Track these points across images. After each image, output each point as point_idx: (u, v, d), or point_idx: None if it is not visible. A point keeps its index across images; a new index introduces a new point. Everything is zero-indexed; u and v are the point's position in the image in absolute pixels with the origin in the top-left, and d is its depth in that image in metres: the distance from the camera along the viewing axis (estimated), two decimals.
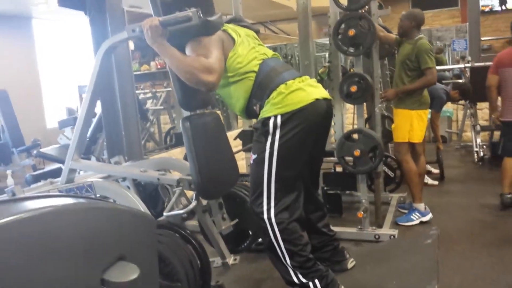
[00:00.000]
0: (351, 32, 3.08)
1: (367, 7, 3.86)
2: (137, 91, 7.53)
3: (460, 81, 6.55)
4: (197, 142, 2.10)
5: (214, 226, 2.41)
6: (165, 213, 2.25)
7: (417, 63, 3.59)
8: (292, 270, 2.09)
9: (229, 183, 2.37)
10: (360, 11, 3.24)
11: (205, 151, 2.15)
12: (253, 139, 2.15)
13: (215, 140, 2.27)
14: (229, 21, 2.28)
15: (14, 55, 8.44)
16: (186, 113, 2.35)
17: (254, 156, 2.12)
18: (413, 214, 3.73)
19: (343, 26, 3.19)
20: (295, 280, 2.10)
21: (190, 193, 2.40)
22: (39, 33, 9.09)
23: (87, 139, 4.92)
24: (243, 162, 5.29)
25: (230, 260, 2.50)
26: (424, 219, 3.73)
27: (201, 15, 1.94)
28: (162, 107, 7.93)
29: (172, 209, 2.25)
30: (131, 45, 9.65)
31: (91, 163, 2.76)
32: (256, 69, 2.09)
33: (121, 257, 0.72)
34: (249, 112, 2.18)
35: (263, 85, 2.07)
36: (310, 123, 2.07)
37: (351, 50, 3.21)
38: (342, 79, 3.42)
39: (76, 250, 0.66)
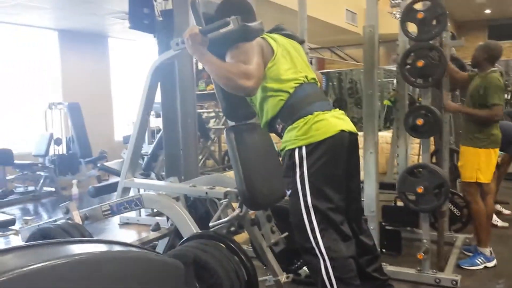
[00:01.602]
0: (420, 63, 2.93)
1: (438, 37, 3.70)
2: (201, 110, 7.70)
3: None
4: (241, 151, 2.09)
5: (263, 240, 2.34)
6: (211, 224, 2.24)
7: (485, 97, 3.38)
8: None
9: (276, 195, 2.31)
10: (431, 41, 3.10)
11: (249, 160, 2.13)
12: (283, 174, 2.11)
13: (260, 150, 2.25)
14: (271, 31, 2.26)
15: (89, 70, 8.93)
16: None
17: (288, 192, 2.08)
18: (478, 258, 3.46)
19: (412, 55, 3.05)
20: None
21: None
22: (114, 50, 9.58)
23: (149, 156, 5.05)
24: None
25: (283, 278, 2.42)
26: (489, 264, 3.46)
27: (240, 22, 1.94)
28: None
29: (218, 220, 2.24)
30: (200, 65, 9.96)
31: (142, 181, 2.83)
32: (291, 91, 2.06)
33: None
34: (271, 127, 2.17)
35: (293, 109, 2.05)
36: (335, 154, 2.02)
37: (419, 81, 3.05)
38: (408, 111, 3.26)
39: None
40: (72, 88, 8.49)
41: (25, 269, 0.58)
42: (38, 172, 6.96)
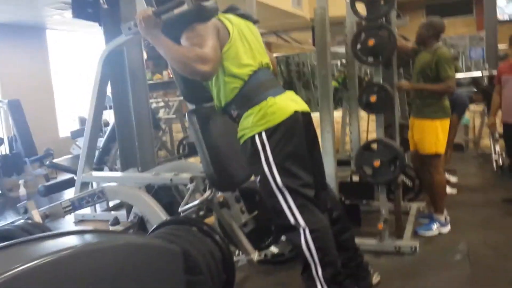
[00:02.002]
0: (371, 42, 3.02)
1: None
2: (150, 100, 7.54)
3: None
4: (205, 133, 2.09)
5: (233, 221, 2.35)
6: (180, 209, 2.23)
7: (437, 72, 3.51)
8: (320, 284, 2.04)
9: (243, 175, 2.32)
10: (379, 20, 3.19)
11: (214, 142, 2.14)
12: (248, 162, 2.13)
13: (223, 132, 2.24)
14: (225, 11, 2.24)
15: (27, 65, 8.51)
16: None
17: (257, 178, 2.11)
18: (434, 225, 3.64)
19: (362, 35, 3.13)
20: None
21: None
22: (53, 43, 9.17)
23: (100, 150, 4.91)
24: None
25: (256, 256, 2.44)
26: (444, 230, 3.65)
27: (194, 1, 1.92)
28: (174, 116, 7.93)
29: (187, 205, 2.23)
30: (144, 55, 9.69)
31: (103, 174, 2.75)
32: (246, 78, 2.08)
33: None
34: (226, 112, 2.17)
35: (248, 97, 2.08)
36: (294, 134, 2.08)
37: (370, 60, 3.14)
38: (362, 89, 3.36)
39: None
40: (11, 84, 8.06)
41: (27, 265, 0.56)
42: None
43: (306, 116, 2.18)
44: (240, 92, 2.07)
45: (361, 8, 3.23)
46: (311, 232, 2.02)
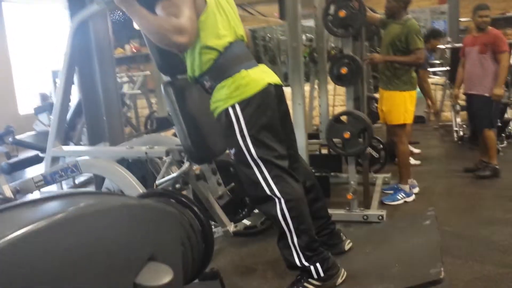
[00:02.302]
0: (342, 13, 3.03)
1: None
2: None
3: None
4: (182, 105, 2.06)
5: (209, 193, 2.36)
6: (157, 182, 2.21)
7: (406, 43, 3.58)
8: (296, 252, 2.08)
9: (219, 147, 2.32)
10: None
11: (191, 114, 2.11)
12: (223, 135, 2.13)
13: (201, 104, 2.21)
14: None
15: None
16: None
17: (233, 151, 2.11)
18: (399, 194, 3.77)
19: (333, 7, 3.13)
20: (298, 263, 2.09)
21: None
22: (9, 16, 8.73)
23: (66, 125, 4.78)
24: None
25: (231, 227, 2.46)
26: (409, 199, 3.79)
27: None
28: (139, 92, 7.78)
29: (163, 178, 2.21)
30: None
31: (74, 148, 2.67)
32: (221, 50, 2.05)
33: (152, 257, 0.66)
34: (198, 82, 2.16)
35: (222, 69, 2.05)
36: (267, 105, 2.09)
37: (341, 31, 3.15)
38: (332, 62, 3.38)
39: (106, 254, 0.60)
40: None
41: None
42: None
43: (279, 88, 2.19)
44: (214, 63, 2.05)
45: None
46: (286, 202, 2.05)
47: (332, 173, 4.25)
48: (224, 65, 2.05)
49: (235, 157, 2.11)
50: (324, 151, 4.48)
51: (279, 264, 2.51)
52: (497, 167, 4.29)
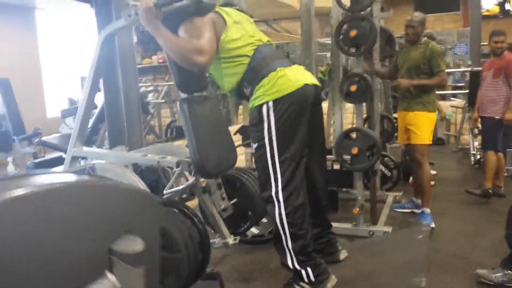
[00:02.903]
0: (353, 33, 3.14)
1: (369, 8, 3.92)
2: (138, 84, 7.60)
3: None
4: (194, 122, 2.16)
5: (213, 206, 2.46)
6: (165, 191, 2.31)
7: (429, 66, 3.65)
8: (290, 254, 2.18)
9: (227, 163, 2.42)
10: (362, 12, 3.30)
11: (202, 130, 2.21)
12: (251, 128, 2.23)
13: (213, 122, 2.32)
14: (222, 5, 2.35)
15: (16, 45, 8.49)
16: None
17: (255, 145, 2.21)
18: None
19: (345, 26, 3.25)
20: (290, 265, 2.19)
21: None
22: (42, 24, 9.13)
23: (90, 129, 4.98)
24: (242, 157, 5.36)
25: (231, 240, 2.55)
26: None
27: None
28: (163, 101, 7.99)
29: (171, 188, 2.31)
30: (134, 39, 9.72)
31: (93, 149, 2.79)
32: (250, 54, 2.17)
33: (128, 231, 0.78)
34: (239, 93, 2.27)
35: (256, 70, 2.16)
36: (300, 106, 2.16)
37: (352, 50, 3.26)
38: (343, 79, 3.48)
39: (85, 223, 0.72)
40: (0, 63, 8.05)
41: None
42: None
43: (316, 88, 2.27)
44: (248, 67, 2.17)
45: (347, 0, 3.35)
46: (285, 208, 2.15)
47: (344, 189, 4.32)
48: (256, 67, 2.16)
49: (256, 151, 2.21)
50: (337, 166, 4.55)
51: (282, 273, 2.61)
52: (489, 190, 4.28)
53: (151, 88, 8.12)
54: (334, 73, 4.32)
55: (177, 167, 2.32)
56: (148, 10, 1.98)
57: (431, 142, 3.81)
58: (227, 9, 2.30)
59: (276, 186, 2.16)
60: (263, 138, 2.15)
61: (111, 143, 3.95)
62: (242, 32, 2.21)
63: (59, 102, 8.49)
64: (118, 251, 0.74)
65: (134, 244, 0.76)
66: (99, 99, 4.71)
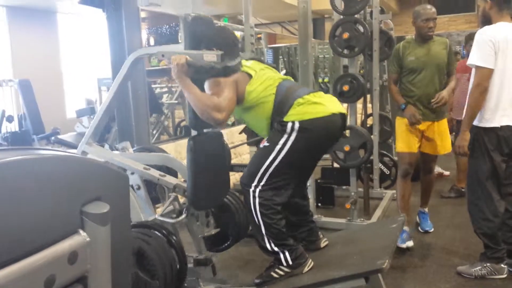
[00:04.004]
0: (345, 35, 3.30)
1: (370, 11, 4.08)
2: (153, 85, 7.85)
3: None
4: (197, 160, 2.29)
5: (198, 230, 2.59)
6: (158, 216, 2.48)
7: (448, 66, 3.44)
8: (267, 238, 2.33)
9: (219, 197, 2.60)
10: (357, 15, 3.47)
11: (203, 170, 2.34)
12: (271, 130, 2.37)
13: (214, 159, 2.46)
14: (249, 59, 2.57)
15: (38, 47, 8.81)
16: None
17: (266, 143, 2.35)
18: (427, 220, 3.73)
19: (339, 29, 3.41)
20: (268, 247, 2.35)
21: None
22: (63, 27, 9.48)
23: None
24: (247, 156, 5.55)
25: (208, 255, 2.67)
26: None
27: (223, 59, 2.13)
28: (176, 102, 8.21)
29: (165, 213, 2.47)
30: (152, 41, 10.00)
31: (101, 150, 2.91)
32: (274, 91, 2.35)
33: (97, 198, 0.97)
34: (273, 129, 2.39)
35: (283, 102, 2.32)
36: (324, 135, 2.33)
37: (346, 52, 3.42)
38: (336, 79, 3.63)
39: (60, 188, 0.91)
40: (22, 65, 8.40)
41: None
42: None
43: (343, 116, 2.38)
44: (275, 103, 2.34)
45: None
46: (260, 203, 2.29)
47: (344, 187, 4.46)
48: (283, 99, 2.33)
49: (262, 148, 2.35)
50: (336, 165, 4.70)
51: None
52: (462, 189, 4.29)
53: (165, 89, 8.36)
54: (334, 74, 4.48)
55: (173, 190, 2.46)
56: (180, 67, 2.12)
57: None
58: (249, 62, 2.49)
59: (258, 183, 2.31)
60: (275, 145, 2.28)
61: (120, 140, 4.19)
62: (264, 77, 2.40)
63: (78, 102, 8.80)
64: (88, 212, 0.93)
65: (101, 207, 0.95)
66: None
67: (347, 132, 3.51)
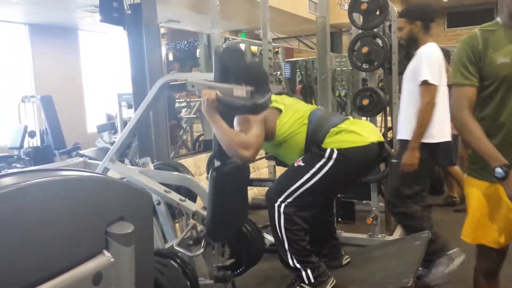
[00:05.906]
0: (364, 49, 3.29)
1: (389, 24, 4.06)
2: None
3: None
4: (218, 191, 2.26)
5: (213, 260, 2.56)
6: (175, 246, 2.40)
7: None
8: (290, 254, 2.30)
9: (237, 227, 2.58)
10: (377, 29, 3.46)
11: (223, 202, 2.31)
12: (305, 156, 2.34)
13: (235, 189, 2.44)
14: (278, 93, 2.56)
15: (60, 63, 9.02)
16: None
17: (301, 163, 2.31)
18: None
19: (358, 43, 3.40)
20: (291, 263, 2.31)
21: None
22: (84, 43, 9.67)
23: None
24: (265, 170, 5.54)
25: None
26: None
27: (252, 95, 2.10)
28: (195, 116, 8.27)
29: (182, 240, 2.42)
30: (170, 56, 10.11)
31: (124, 167, 2.92)
32: (306, 121, 2.35)
33: (121, 218, 0.98)
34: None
35: (317, 131, 2.31)
36: (362, 164, 2.31)
37: (365, 66, 3.40)
38: (356, 93, 3.62)
39: (85, 209, 0.92)
40: (44, 81, 8.58)
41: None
42: (13, 164, 7.07)
43: (381, 145, 2.36)
44: (308, 133, 2.33)
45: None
46: (285, 219, 2.27)
47: (364, 201, 4.41)
48: (317, 128, 2.32)
49: (296, 167, 2.31)
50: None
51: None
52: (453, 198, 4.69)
53: (184, 104, 8.43)
54: (353, 87, 4.46)
55: (192, 217, 2.43)
56: (210, 102, 2.11)
57: None
58: (278, 96, 2.49)
59: (284, 201, 2.28)
60: (311, 168, 2.25)
61: (140, 155, 4.23)
62: (294, 110, 2.40)
63: (98, 118, 8.93)
64: (112, 233, 0.94)
65: (125, 228, 0.95)
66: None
67: None
